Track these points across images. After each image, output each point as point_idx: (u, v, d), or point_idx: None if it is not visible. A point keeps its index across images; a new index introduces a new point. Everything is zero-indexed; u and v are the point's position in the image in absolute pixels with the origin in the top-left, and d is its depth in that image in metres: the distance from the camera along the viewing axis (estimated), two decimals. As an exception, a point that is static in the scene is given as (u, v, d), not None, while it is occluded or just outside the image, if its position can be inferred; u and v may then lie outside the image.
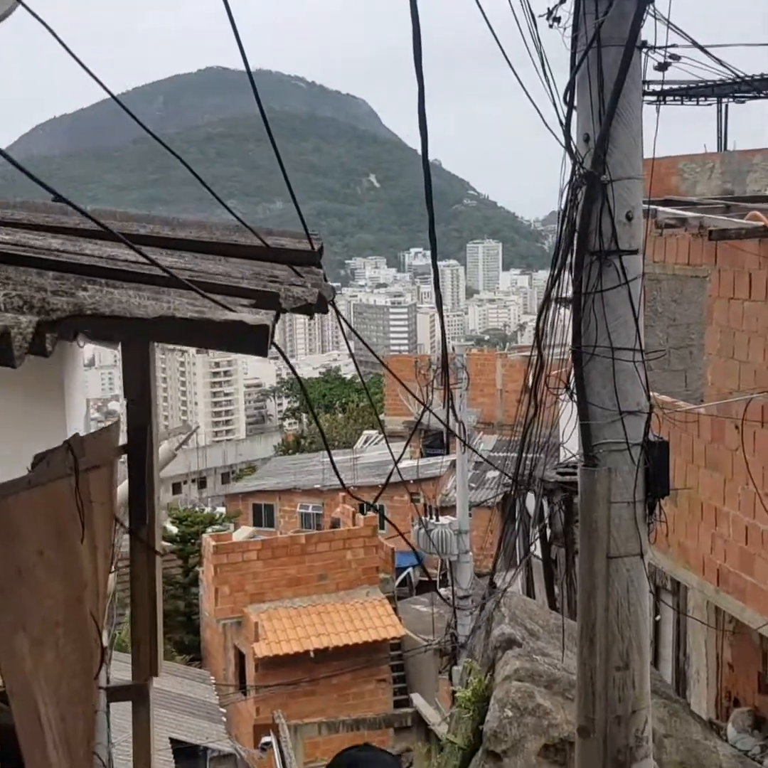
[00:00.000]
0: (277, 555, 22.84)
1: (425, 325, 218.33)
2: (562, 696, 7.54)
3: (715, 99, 21.22)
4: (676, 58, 5.46)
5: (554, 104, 4.95)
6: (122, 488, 5.89)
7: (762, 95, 20.52)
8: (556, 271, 5.64)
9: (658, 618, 11.15)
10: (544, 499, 14.46)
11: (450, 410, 10.41)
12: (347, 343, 4.11)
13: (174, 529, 27.26)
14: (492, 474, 39.85)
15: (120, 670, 7.34)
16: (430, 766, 8.79)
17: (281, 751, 13.09)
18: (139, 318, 1.85)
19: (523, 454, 8.44)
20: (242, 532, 25.29)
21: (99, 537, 4.39)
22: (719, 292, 8.43)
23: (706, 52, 5.61)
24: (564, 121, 5.09)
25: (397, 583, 30.61)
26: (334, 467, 5.89)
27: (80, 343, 10.95)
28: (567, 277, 5.50)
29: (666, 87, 18.05)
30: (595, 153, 5.02)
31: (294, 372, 3.88)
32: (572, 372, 5.35)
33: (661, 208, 7.89)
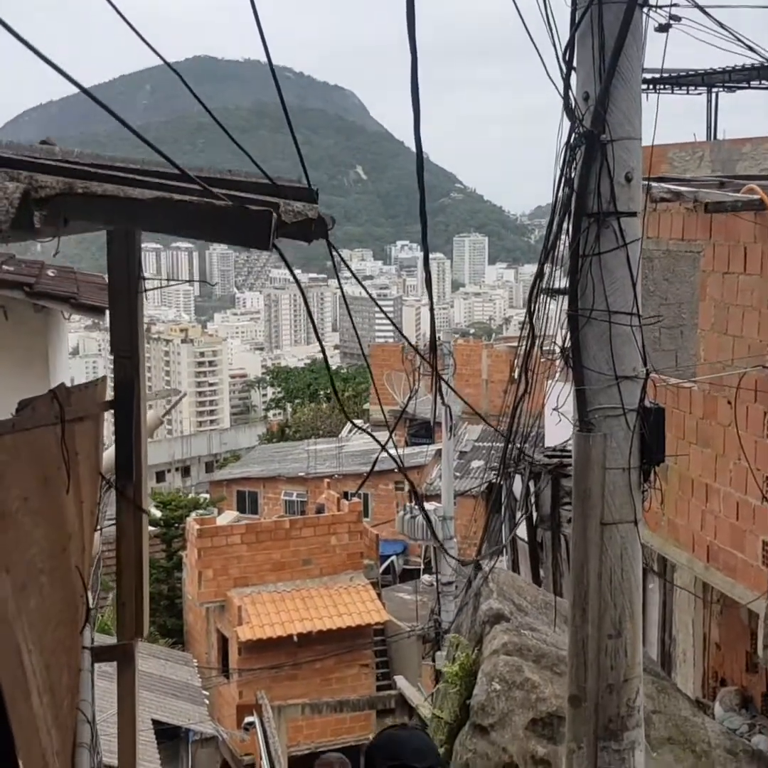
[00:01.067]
0: (262, 539, 22.77)
1: (411, 318, 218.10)
2: (550, 670, 7.50)
3: (706, 88, 21.19)
4: (677, 18, 5.39)
5: (557, 57, 4.87)
6: (109, 453, 5.80)
7: (752, 85, 20.51)
8: (552, 238, 5.57)
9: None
10: (531, 481, 14.41)
11: (437, 393, 10.34)
12: (338, 279, 4.01)
13: (158, 513, 27.13)
14: (476, 463, 39.92)
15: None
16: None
17: (264, 732, 13.02)
18: (133, 198, 1.76)
19: (514, 428, 8.39)
20: (226, 517, 25.21)
21: (84, 491, 4.31)
22: (713, 267, 8.38)
23: (707, 14, 5.54)
24: (563, 78, 5.01)
25: (380, 570, 30.61)
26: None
27: (65, 315, 10.80)
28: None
29: (656, 76, 18.00)
30: (595, 111, 4.94)
31: (298, 285, 3.74)
32: (568, 336, 5.29)
33: (655, 183, 7.83)
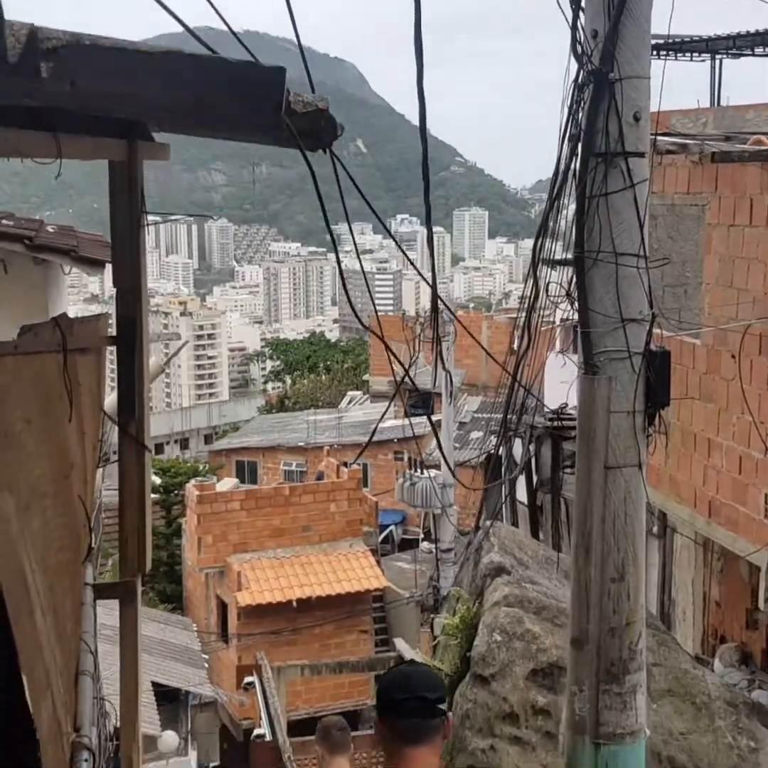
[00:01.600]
0: (261, 506, 22.82)
1: (410, 292, 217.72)
2: (551, 622, 7.51)
3: (709, 54, 21.03)
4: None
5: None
6: (112, 398, 5.76)
7: (756, 52, 20.36)
8: (558, 183, 5.51)
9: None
10: (532, 445, 14.41)
11: (438, 358, 10.30)
12: (342, 197, 3.94)
13: (157, 480, 27.16)
14: (476, 434, 39.95)
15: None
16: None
17: (264, 691, 13.08)
18: (141, 51, 1.71)
19: (515, 390, 8.37)
20: (226, 484, 25.25)
21: (87, 424, 4.28)
22: (719, 219, 8.33)
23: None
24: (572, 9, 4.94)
25: (379, 540, 30.69)
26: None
27: (65, 269, 10.74)
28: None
29: (661, 42, 17.83)
30: (604, 48, 4.87)
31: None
32: (574, 278, 5.24)
33: (660, 137, 7.77)
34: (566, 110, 5.16)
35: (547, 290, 5.76)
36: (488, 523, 9.04)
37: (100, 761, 3.37)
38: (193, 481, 25.24)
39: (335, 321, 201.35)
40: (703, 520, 8.74)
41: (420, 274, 6.30)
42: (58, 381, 3.83)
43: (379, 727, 3.39)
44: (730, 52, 21.16)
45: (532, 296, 6.23)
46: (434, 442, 36.71)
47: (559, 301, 5.41)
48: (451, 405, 18.87)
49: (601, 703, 5.31)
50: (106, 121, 4.29)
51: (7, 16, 1.57)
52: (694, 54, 21.44)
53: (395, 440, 37.54)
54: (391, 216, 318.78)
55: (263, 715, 12.66)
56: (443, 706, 3.38)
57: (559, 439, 13.86)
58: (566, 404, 12.68)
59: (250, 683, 14.34)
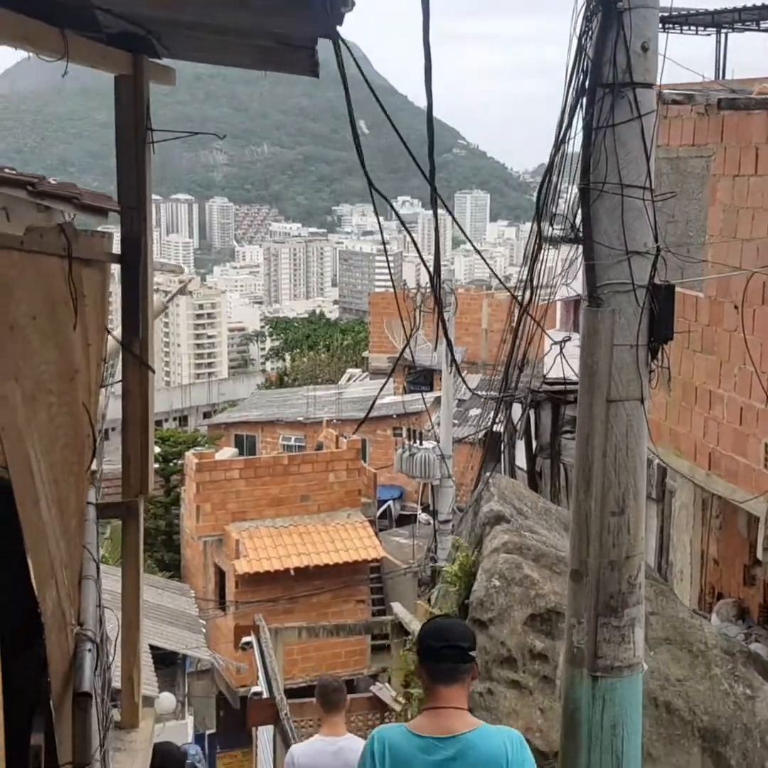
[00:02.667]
0: (260, 475, 22.85)
1: (411, 274, 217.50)
2: (549, 569, 7.53)
3: (715, 28, 20.92)
4: None
5: None
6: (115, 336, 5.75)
7: (761, 27, 20.23)
8: (567, 118, 5.48)
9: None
10: (532, 410, 14.42)
11: (440, 322, 10.25)
12: (354, 127, 3.93)
13: (156, 449, 27.14)
14: (475, 411, 39.95)
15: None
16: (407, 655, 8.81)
17: (262, 651, 13.13)
18: None
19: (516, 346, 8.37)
20: (225, 453, 25.28)
21: (92, 337, 4.28)
22: (724, 170, 8.32)
23: None
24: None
25: (377, 514, 30.74)
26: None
27: (68, 216, 10.80)
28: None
29: (665, 14, 17.73)
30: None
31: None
32: (579, 211, 5.24)
33: (665, 89, 7.75)
34: (576, 41, 5.14)
35: (551, 223, 5.75)
36: (488, 473, 9.07)
37: (103, 657, 3.39)
38: (192, 451, 25.29)
39: (335, 302, 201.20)
40: (703, 472, 8.76)
41: (420, 254, 6.31)
42: (63, 287, 3.83)
43: (420, 670, 4.03)
44: (735, 26, 21.03)
45: (537, 244, 6.25)
46: (434, 417, 36.77)
47: (563, 234, 5.40)
48: (451, 374, 18.84)
49: (600, 637, 5.33)
50: (116, 37, 4.29)
51: None
52: (699, 28, 21.30)
53: (394, 416, 37.57)
54: (392, 197, 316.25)
55: (260, 673, 12.72)
56: (473, 654, 4.07)
57: (559, 404, 13.88)
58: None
59: (248, 643, 14.42)
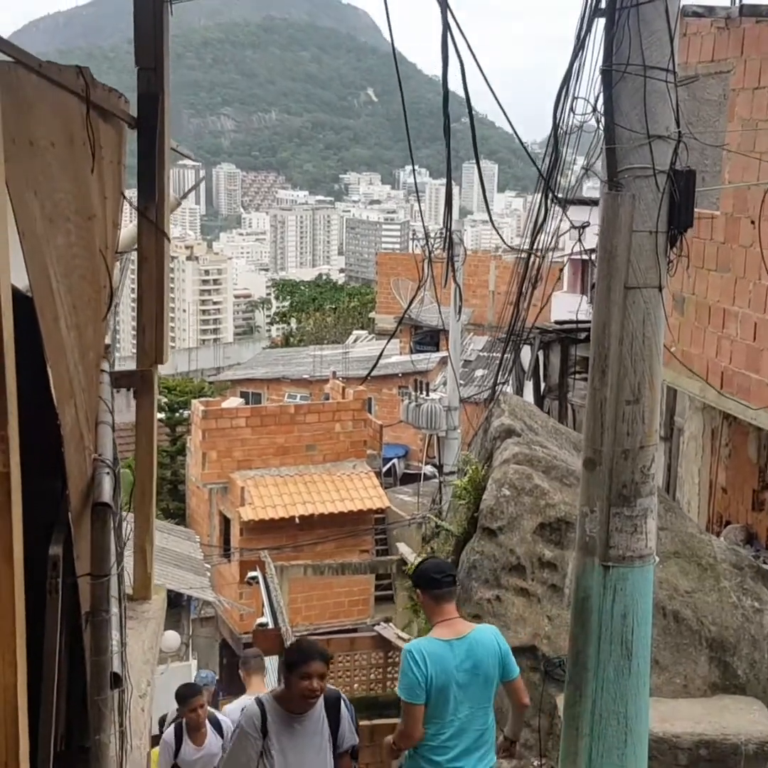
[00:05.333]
0: (266, 423, 22.83)
1: (417, 249, 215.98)
2: (559, 481, 7.51)
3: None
4: None
5: None
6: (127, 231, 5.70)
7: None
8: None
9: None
10: (541, 351, 14.38)
11: (450, 262, 10.18)
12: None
13: (162, 398, 27.17)
14: (480, 372, 39.91)
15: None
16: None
17: (267, 584, 13.17)
18: None
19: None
20: (231, 402, 25.25)
21: (107, 190, 4.22)
22: (744, 84, 8.22)
23: None
24: None
25: (382, 472, 30.77)
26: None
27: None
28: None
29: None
30: None
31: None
32: (601, 93, 5.16)
33: (686, 2, 7.64)
34: None
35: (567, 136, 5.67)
36: (498, 389, 9.04)
37: (118, 487, 3.37)
38: (198, 400, 25.27)
39: (341, 270, 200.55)
40: (715, 391, 8.70)
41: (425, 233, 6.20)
42: (81, 128, 3.77)
43: (424, 597, 5.35)
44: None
45: (552, 161, 6.18)
46: (438, 378, 36.73)
47: (584, 117, 5.33)
48: (458, 319, 18.75)
49: (612, 526, 5.32)
50: None
51: None
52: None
53: (400, 374, 37.56)
54: (399, 167, 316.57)
55: (266, 604, 12.75)
56: (456, 577, 5.55)
57: (568, 344, 13.83)
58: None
59: (254, 578, 14.45)
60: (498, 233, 8.07)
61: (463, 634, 5.29)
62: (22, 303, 2.91)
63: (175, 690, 7.61)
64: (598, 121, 5.21)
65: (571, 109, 5.52)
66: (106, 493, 2.97)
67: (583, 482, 5.44)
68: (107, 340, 4.59)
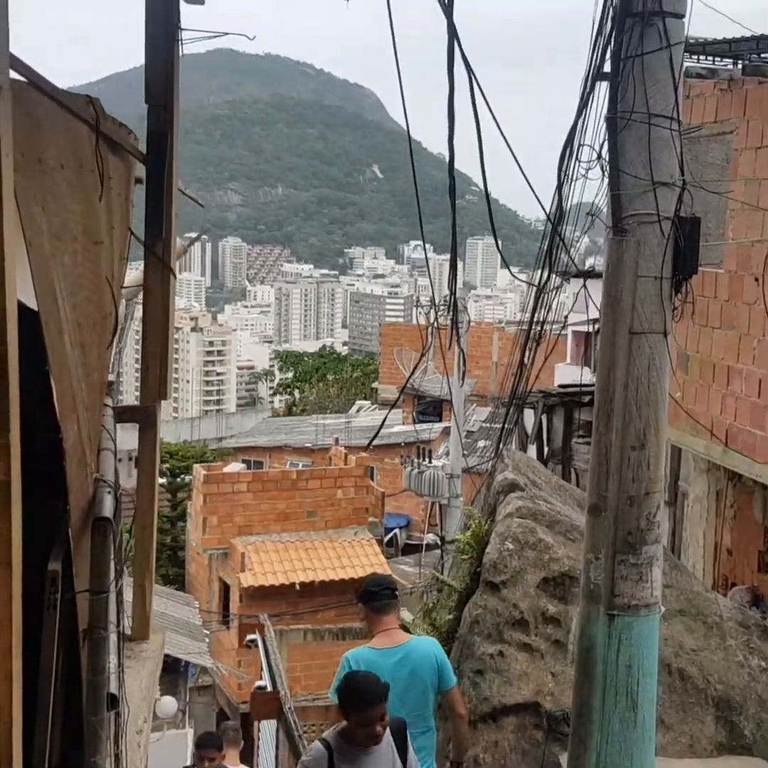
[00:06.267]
0: (268, 489, 22.72)
1: (422, 316, 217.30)
2: (563, 536, 7.44)
3: (732, 59, 20.99)
4: None
5: None
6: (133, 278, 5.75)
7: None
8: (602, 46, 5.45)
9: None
10: (544, 415, 14.36)
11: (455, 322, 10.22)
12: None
13: (164, 464, 27.09)
14: (482, 443, 39.84)
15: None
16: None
17: (266, 647, 12.97)
18: None
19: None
20: (233, 467, 25.18)
21: (115, 220, 4.23)
22: (747, 143, 8.33)
23: None
24: None
25: (384, 542, 30.52)
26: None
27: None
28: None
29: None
30: None
31: None
32: (606, 141, 5.23)
33: (689, 64, 7.78)
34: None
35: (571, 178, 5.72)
36: (502, 446, 9.00)
37: (119, 510, 3.33)
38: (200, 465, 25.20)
39: (344, 343, 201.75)
40: (720, 448, 8.68)
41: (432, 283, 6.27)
42: (90, 155, 3.80)
43: (366, 611, 5.77)
44: (751, 58, 21.11)
45: (556, 214, 6.24)
46: (441, 448, 36.62)
47: (590, 165, 5.39)
48: (462, 385, 18.75)
49: (617, 574, 5.24)
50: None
51: None
52: (716, 58, 21.36)
53: (402, 444, 37.46)
54: (404, 242, 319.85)
55: (264, 668, 12.55)
56: (397, 592, 5.89)
57: (572, 408, 13.82)
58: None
59: (253, 640, 14.25)
60: (505, 263, 8.07)
61: (400, 642, 5.69)
62: (28, 318, 2.91)
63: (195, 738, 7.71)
64: (603, 168, 5.27)
65: (576, 158, 5.59)
66: (107, 509, 2.93)
67: (587, 529, 5.38)
68: (111, 377, 4.59)
